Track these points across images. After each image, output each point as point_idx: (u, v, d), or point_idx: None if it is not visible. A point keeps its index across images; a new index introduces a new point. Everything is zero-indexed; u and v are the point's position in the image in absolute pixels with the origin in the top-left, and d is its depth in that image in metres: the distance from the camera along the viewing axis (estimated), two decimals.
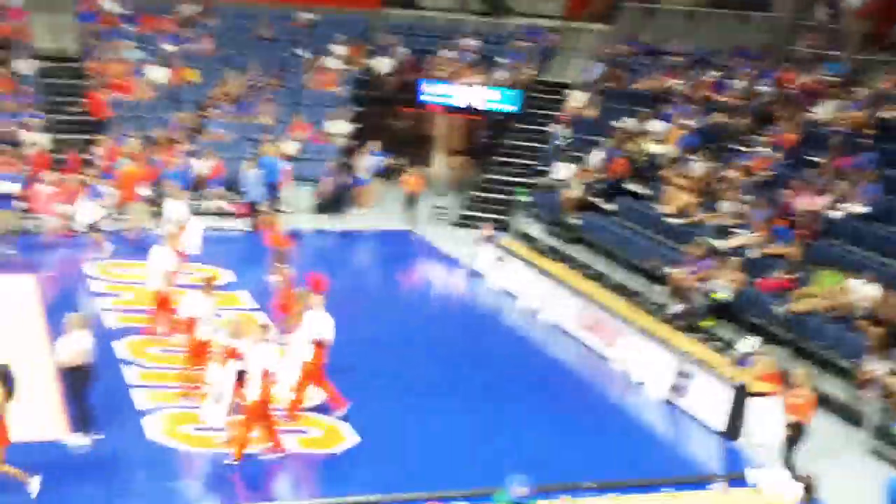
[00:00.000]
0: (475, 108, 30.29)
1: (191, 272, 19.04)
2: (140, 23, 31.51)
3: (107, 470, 13.01)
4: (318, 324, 14.60)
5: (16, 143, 25.16)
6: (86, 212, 22.93)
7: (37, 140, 25.32)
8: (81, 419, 13.52)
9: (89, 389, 13.47)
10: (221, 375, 13.76)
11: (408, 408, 15.68)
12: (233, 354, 13.64)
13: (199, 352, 14.97)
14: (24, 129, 25.77)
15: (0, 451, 11.76)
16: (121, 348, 16.78)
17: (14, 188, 23.60)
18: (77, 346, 13.26)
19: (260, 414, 13.29)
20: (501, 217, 26.28)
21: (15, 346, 16.46)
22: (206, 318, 15.19)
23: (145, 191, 24.47)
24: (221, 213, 25.56)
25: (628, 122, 26.85)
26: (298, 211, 27.08)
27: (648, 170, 24.50)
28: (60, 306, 18.65)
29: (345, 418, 14.78)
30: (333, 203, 27.25)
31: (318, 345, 14.55)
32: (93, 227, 22.70)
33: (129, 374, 15.85)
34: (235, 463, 13.16)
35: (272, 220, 21.47)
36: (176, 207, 21.70)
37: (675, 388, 16.67)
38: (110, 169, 25.07)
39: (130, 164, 24.99)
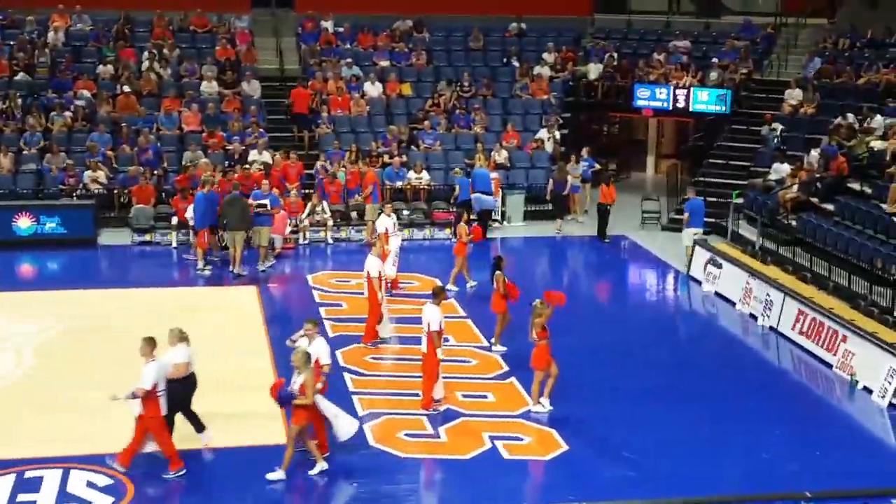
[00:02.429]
0: (686, 111, 29.86)
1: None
2: (357, 40, 32.65)
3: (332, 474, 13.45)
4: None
5: (244, 162, 26.35)
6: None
7: (263, 158, 26.54)
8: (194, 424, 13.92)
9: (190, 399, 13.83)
10: None
11: (620, 415, 15.60)
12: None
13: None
14: (250, 148, 27.09)
15: None
16: (340, 357, 17.29)
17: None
18: (178, 359, 13.59)
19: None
20: (715, 220, 25.74)
21: (236, 354, 17.46)
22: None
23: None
24: (431, 224, 26.16)
25: (849, 119, 25.85)
26: (511, 219, 27.44)
27: (871, 167, 23.50)
28: (282, 316, 19.64)
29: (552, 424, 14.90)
30: (546, 210, 27.36)
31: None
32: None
33: (350, 382, 16.42)
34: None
35: (478, 229, 21.70)
36: (384, 220, 22.11)
37: None
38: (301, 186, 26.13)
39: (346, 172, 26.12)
